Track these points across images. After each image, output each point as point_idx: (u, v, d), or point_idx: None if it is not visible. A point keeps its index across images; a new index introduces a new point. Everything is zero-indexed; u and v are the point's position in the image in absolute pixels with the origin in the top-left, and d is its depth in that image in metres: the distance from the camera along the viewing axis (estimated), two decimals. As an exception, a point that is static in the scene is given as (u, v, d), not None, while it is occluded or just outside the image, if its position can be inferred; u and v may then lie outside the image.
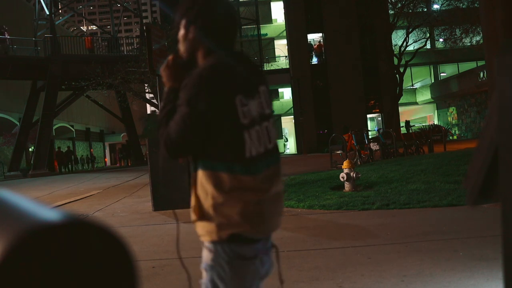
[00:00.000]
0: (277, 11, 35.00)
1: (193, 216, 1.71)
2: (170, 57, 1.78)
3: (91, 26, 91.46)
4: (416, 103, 37.71)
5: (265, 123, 1.72)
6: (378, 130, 20.42)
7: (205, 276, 1.72)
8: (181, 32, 1.75)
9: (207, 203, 1.66)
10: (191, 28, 1.72)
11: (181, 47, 1.77)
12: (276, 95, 34.87)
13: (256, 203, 1.66)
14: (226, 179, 1.64)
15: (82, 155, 40.56)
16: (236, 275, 1.66)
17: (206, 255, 1.71)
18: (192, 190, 1.72)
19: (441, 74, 37.81)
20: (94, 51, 27.63)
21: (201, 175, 1.68)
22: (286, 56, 33.07)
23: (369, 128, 25.32)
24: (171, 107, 1.70)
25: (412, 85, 37.60)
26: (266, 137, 1.71)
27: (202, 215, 1.68)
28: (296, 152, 30.43)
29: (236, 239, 1.66)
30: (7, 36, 25.28)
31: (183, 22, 1.74)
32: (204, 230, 1.69)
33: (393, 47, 27.66)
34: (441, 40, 33.04)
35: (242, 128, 1.65)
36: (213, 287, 1.70)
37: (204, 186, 1.67)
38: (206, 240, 1.70)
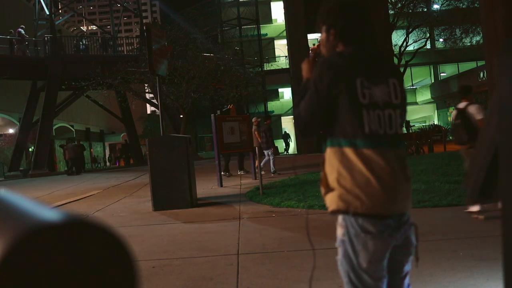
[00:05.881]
0: (277, 11, 34.99)
1: (322, 190, 1.93)
2: (312, 54, 2.08)
3: (91, 26, 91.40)
4: (416, 103, 37.71)
5: (389, 110, 1.86)
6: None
7: (339, 253, 1.88)
8: (323, 35, 2.03)
9: (332, 177, 1.86)
10: (331, 31, 1.99)
11: (323, 47, 2.05)
12: (276, 95, 34.87)
13: (379, 178, 1.78)
14: (350, 154, 1.81)
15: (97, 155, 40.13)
16: (365, 248, 1.80)
17: (338, 232, 1.88)
18: (321, 168, 1.94)
19: (441, 74, 37.81)
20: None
21: (328, 152, 1.90)
22: (286, 56, 33.06)
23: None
24: (304, 94, 1.94)
25: (412, 85, 37.59)
26: (387, 122, 1.85)
27: (328, 188, 1.88)
28: (296, 152, 30.43)
29: (360, 215, 1.79)
30: (21, 37, 25.18)
31: (324, 28, 2.02)
32: (329, 201, 1.88)
33: (393, 47, 27.62)
34: (441, 40, 33.03)
35: (360, 106, 1.82)
36: (348, 260, 1.84)
37: (331, 162, 1.88)
38: (330, 210, 1.88)
